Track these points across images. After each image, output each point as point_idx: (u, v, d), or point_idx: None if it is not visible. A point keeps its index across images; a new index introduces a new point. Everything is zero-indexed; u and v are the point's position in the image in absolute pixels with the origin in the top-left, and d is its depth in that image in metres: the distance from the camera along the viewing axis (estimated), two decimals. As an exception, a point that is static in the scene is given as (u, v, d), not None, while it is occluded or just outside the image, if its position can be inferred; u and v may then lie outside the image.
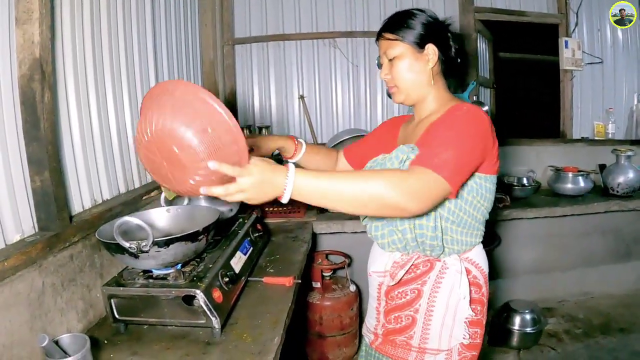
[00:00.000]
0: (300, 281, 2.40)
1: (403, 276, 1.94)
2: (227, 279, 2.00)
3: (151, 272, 1.92)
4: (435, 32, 1.91)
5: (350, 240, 4.07)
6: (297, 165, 1.69)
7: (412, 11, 1.93)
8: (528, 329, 3.89)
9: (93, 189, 2.31)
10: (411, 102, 1.99)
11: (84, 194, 2.24)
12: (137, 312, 1.88)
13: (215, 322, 1.79)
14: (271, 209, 3.56)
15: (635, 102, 5.13)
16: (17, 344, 1.58)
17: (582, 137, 5.10)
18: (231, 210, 2.64)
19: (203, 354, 1.74)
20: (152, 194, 2.69)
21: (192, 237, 1.84)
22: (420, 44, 1.88)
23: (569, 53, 4.90)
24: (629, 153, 4.33)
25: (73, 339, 1.60)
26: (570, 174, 4.35)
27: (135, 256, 1.77)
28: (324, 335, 3.78)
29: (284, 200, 1.48)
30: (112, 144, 2.53)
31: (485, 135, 1.71)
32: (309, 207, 3.72)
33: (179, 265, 1.96)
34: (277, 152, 2.22)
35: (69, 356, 1.48)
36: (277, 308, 2.06)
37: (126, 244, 1.72)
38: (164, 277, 1.90)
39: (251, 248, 2.49)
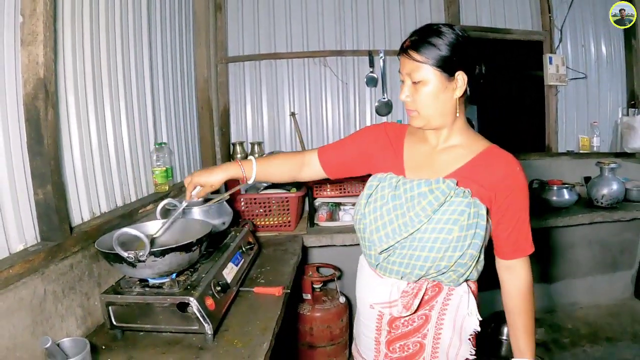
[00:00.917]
0: (289, 291, 2.45)
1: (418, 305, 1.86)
2: (219, 288, 2.07)
3: (147, 281, 1.99)
4: (467, 56, 1.74)
5: (340, 253, 4.14)
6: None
7: (443, 29, 1.73)
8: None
9: (92, 202, 2.39)
10: (430, 128, 1.86)
11: (83, 206, 2.32)
12: (133, 319, 1.95)
13: (208, 329, 1.87)
14: (263, 222, 3.61)
15: (620, 115, 5.24)
16: (20, 347, 1.66)
17: (567, 151, 5.20)
18: (224, 223, 2.70)
19: (196, 359, 1.81)
20: (148, 207, 2.76)
21: (186, 247, 1.92)
22: (451, 72, 1.72)
23: (553, 69, 5.00)
24: (613, 165, 4.39)
25: (73, 343, 1.67)
26: (555, 187, 4.41)
27: (133, 265, 1.84)
28: (314, 346, 3.83)
29: None
30: (110, 160, 2.61)
31: None
32: (299, 221, 3.80)
33: (174, 275, 2.03)
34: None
35: (70, 358, 1.56)
36: (266, 316, 2.13)
37: (124, 254, 1.80)
38: (160, 286, 1.97)
39: (242, 259, 2.55)
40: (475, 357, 1.96)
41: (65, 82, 2.22)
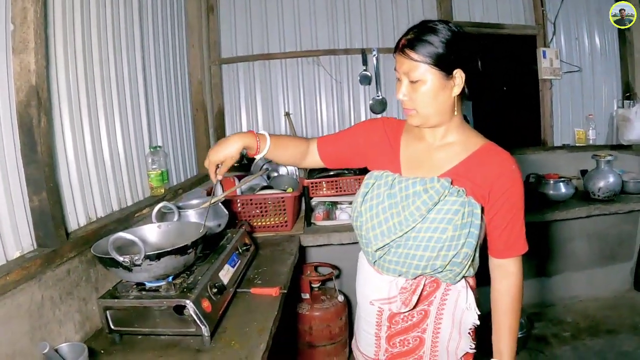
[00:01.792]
0: (286, 291, 2.45)
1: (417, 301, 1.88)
2: (216, 290, 2.07)
3: (144, 284, 2.00)
4: (464, 54, 1.73)
5: (338, 252, 4.15)
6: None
7: (440, 27, 1.70)
8: (515, 334, 3.92)
9: (88, 207, 2.40)
10: (428, 126, 1.85)
11: (79, 212, 2.32)
12: (131, 323, 1.95)
13: (205, 331, 1.87)
14: (259, 223, 3.63)
15: (615, 107, 5.26)
16: (19, 353, 1.66)
17: (563, 144, 5.23)
18: (219, 225, 2.70)
19: (194, 360, 1.82)
20: (144, 211, 2.77)
21: (181, 250, 1.92)
22: (449, 70, 1.70)
23: (547, 63, 5.02)
24: (609, 158, 4.40)
25: (71, 348, 1.69)
26: (551, 181, 4.41)
27: (129, 270, 1.84)
28: (314, 345, 3.84)
29: None
30: (104, 164, 2.62)
31: None
32: (296, 221, 3.81)
33: (170, 278, 2.04)
34: (244, 151, 2.03)
35: (69, 363, 1.57)
36: (263, 316, 2.13)
37: (120, 258, 1.80)
38: (156, 289, 1.97)
39: (239, 261, 2.55)
40: (475, 350, 1.97)
41: (58, 89, 2.23)
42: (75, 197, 2.31)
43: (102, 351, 1.93)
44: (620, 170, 4.60)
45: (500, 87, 4.98)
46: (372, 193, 1.86)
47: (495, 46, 4.90)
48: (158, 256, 1.85)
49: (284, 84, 4.80)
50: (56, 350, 1.62)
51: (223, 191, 3.01)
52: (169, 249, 1.88)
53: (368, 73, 4.72)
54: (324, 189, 3.91)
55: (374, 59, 4.71)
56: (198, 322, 1.86)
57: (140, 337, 2.00)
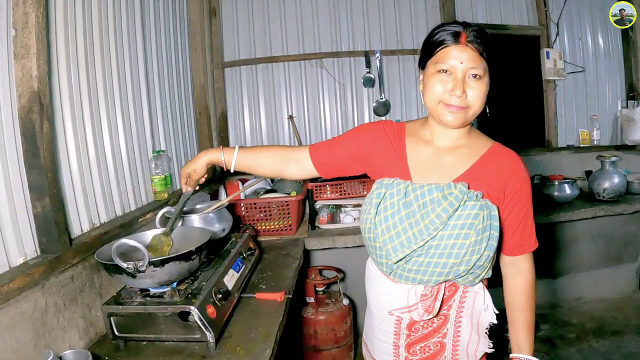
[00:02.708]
0: (291, 296, 2.45)
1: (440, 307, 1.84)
2: (220, 296, 2.07)
3: (148, 290, 1.99)
4: (494, 56, 1.74)
5: (342, 255, 4.15)
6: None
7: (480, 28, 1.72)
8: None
9: (91, 212, 2.39)
10: (461, 127, 1.80)
11: (82, 217, 2.32)
12: (135, 329, 1.94)
13: (210, 337, 1.86)
14: (263, 227, 3.61)
15: (619, 108, 5.26)
16: (23, 361, 1.66)
17: (567, 145, 5.22)
18: (224, 230, 2.70)
19: (199, 367, 1.81)
20: (148, 215, 2.76)
21: (185, 256, 1.92)
22: (489, 69, 1.73)
23: (550, 63, 5.01)
24: (614, 159, 4.39)
25: (75, 355, 1.68)
26: (556, 182, 4.40)
27: (133, 276, 1.83)
28: (319, 349, 3.83)
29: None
30: (108, 170, 2.61)
31: None
32: (300, 224, 3.80)
33: (175, 284, 2.03)
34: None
35: (73, 371, 1.56)
36: (268, 322, 2.12)
37: (124, 265, 1.79)
38: (161, 295, 1.97)
39: (243, 265, 2.55)
40: (493, 350, 1.96)
41: (60, 94, 2.22)
42: (79, 203, 2.30)
43: (106, 357, 1.93)
44: (625, 171, 4.59)
45: (504, 88, 4.97)
46: (386, 203, 1.78)
47: (499, 48, 4.88)
48: (162, 262, 1.84)
49: (287, 87, 4.78)
50: (60, 358, 1.62)
51: (227, 195, 3.01)
52: (173, 255, 1.88)
53: (371, 75, 4.70)
54: (328, 192, 3.90)
55: (377, 61, 4.69)
56: (203, 328, 1.85)
57: (144, 343, 1.99)
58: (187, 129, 3.99)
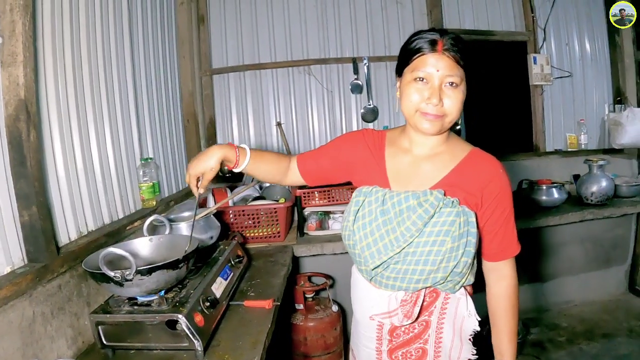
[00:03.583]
0: (279, 303, 2.44)
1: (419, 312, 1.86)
2: (208, 304, 2.06)
3: (136, 299, 1.98)
4: (471, 63, 1.74)
5: (331, 261, 4.15)
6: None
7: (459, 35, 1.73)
8: (510, 340, 3.92)
9: (78, 221, 2.38)
10: (438, 134, 1.80)
11: (70, 226, 2.31)
12: (123, 338, 1.93)
13: (198, 345, 1.85)
14: (252, 234, 3.61)
15: (606, 112, 5.32)
16: (10, 371, 1.65)
17: (555, 150, 5.26)
18: (211, 237, 2.69)
19: (187, 375, 1.80)
20: (135, 223, 2.75)
21: (173, 265, 1.90)
22: (466, 77, 1.72)
23: (537, 69, 5.06)
24: (601, 162, 4.42)
25: (63, 365, 1.68)
26: (544, 187, 4.41)
27: (120, 284, 1.82)
28: (309, 356, 3.82)
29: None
30: (95, 178, 2.61)
31: None
32: (289, 231, 3.80)
33: (162, 292, 2.02)
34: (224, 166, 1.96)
35: (60, 381, 1.56)
36: (257, 329, 2.11)
37: (111, 274, 1.78)
38: (148, 304, 1.95)
39: (232, 273, 2.54)
40: (477, 356, 1.98)
41: (47, 102, 2.23)
42: (66, 211, 2.30)
43: (94, 367, 1.91)
44: (613, 174, 4.63)
45: (492, 94, 4.98)
46: (364, 210, 1.83)
47: (486, 54, 4.90)
48: (149, 271, 1.83)
49: (275, 94, 4.79)
50: (47, 368, 1.61)
51: (215, 203, 3.00)
52: (160, 264, 1.86)
53: (359, 82, 4.71)
54: (317, 199, 3.90)
55: (365, 67, 4.70)
56: (191, 336, 1.84)
57: (133, 352, 1.97)
58: (176, 137, 3.98)
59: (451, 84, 1.68)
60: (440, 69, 1.67)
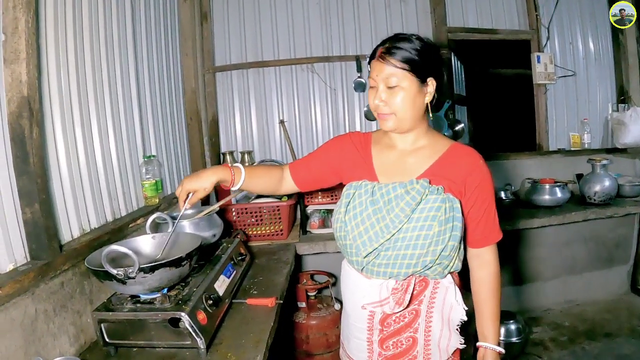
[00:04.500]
0: (282, 301, 2.44)
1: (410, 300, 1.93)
2: (211, 302, 2.06)
3: (138, 296, 1.98)
4: (436, 64, 1.90)
5: (333, 260, 4.11)
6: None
7: (413, 38, 1.86)
8: (513, 339, 3.93)
9: (81, 218, 2.38)
10: (401, 131, 1.96)
11: (72, 223, 2.30)
12: (126, 336, 1.93)
13: (201, 343, 1.85)
14: (255, 232, 3.60)
15: (610, 111, 5.29)
16: (12, 368, 1.64)
17: (558, 149, 5.22)
18: (214, 235, 2.69)
19: (190, 373, 1.80)
20: (138, 221, 2.74)
21: (176, 262, 1.90)
22: (423, 78, 1.86)
23: (541, 67, 5.03)
24: (604, 162, 4.42)
25: (65, 363, 1.67)
26: (547, 186, 4.41)
27: (123, 282, 1.82)
28: (311, 354, 3.82)
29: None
30: (98, 175, 2.60)
31: None
32: (291, 229, 3.79)
33: (165, 290, 2.02)
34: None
35: (62, 378, 1.55)
36: (260, 328, 2.12)
37: (114, 271, 1.78)
38: (151, 302, 1.96)
39: (234, 271, 2.54)
40: (465, 345, 2.05)
41: (50, 99, 2.22)
42: (69, 209, 2.29)
43: (96, 364, 1.91)
44: (616, 174, 4.62)
45: (495, 93, 4.98)
46: (354, 202, 1.94)
47: (490, 52, 4.90)
48: (152, 269, 1.83)
49: (278, 92, 4.77)
50: (50, 365, 1.61)
51: (217, 200, 2.99)
52: (163, 262, 1.86)
53: (362, 80, 4.69)
54: (319, 197, 3.90)
55: (369, 65, 4.67)
56: (194, 334, 1.85)
57: (135, 349, 1.98)
58: (178, 134, 3.98)
59: (391, 86, 1.86)
60: (379, 74, 1.88)
